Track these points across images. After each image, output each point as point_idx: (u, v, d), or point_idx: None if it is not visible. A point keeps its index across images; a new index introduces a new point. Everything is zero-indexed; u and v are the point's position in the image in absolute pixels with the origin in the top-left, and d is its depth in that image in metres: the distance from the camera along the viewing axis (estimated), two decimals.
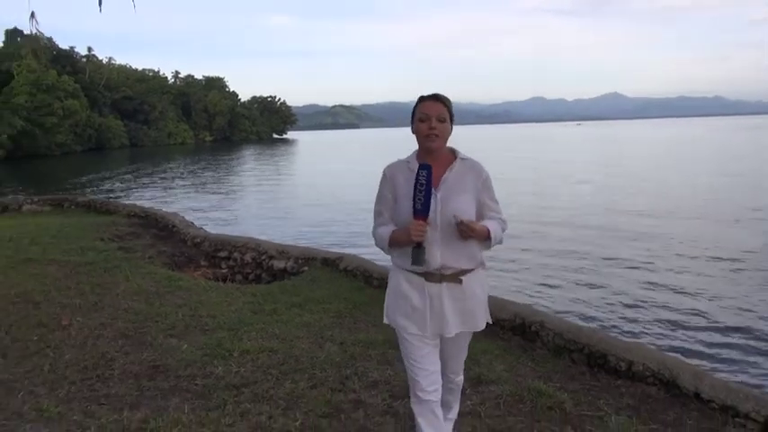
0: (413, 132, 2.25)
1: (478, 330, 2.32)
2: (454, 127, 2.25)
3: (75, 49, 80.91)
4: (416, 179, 2.09)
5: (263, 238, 8.18)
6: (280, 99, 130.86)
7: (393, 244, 2.23)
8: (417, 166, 2.12)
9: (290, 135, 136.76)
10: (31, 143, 57.32)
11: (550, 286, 8.28)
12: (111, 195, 21.74)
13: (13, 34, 66.14)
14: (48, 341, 4.03)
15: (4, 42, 67.25)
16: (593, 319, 6.80)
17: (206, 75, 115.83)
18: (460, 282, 2.20)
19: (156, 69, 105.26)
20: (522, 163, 34.04)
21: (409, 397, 2.33)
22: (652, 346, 4.63)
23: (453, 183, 2.21)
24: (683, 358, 4.43)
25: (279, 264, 6.61)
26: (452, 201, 2.17)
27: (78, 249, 7.06)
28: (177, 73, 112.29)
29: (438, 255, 2.16)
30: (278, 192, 22.91)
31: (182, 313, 4.66)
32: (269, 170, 36.17)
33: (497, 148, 55.69)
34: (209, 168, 38.34)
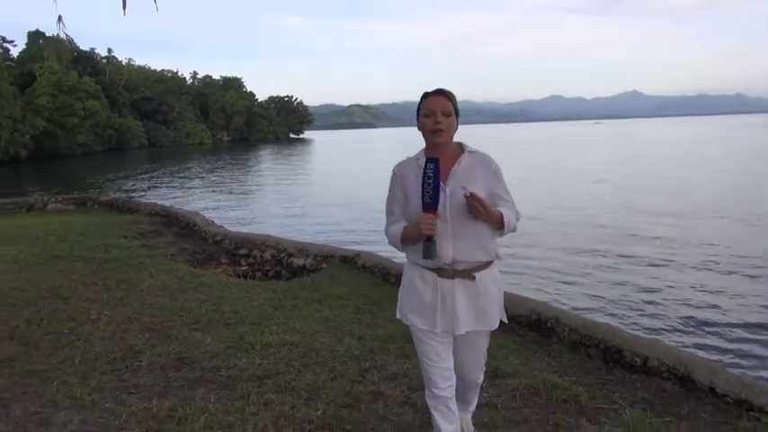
0: (419, 129, 2.24)
1: (492, 329, 2.31)
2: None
3: (96, 51, 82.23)
4: (424, 172, 2.08)
5: (281, 236, 8.30)
6: (296, 99, 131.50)
7: (405, 240, 2.21)
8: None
9: (306, 135, 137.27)
10: (52, 143, 58.27)
11: (570, 284, 8.30)
12: (133, 194, 22.10)
13: (35, 36, 67.25)
14: (78, 334, 4.18)
15: (26, 44, 68.45)
16: (613, 316, 6.81)
17: (223, 75, 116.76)
18: (473, 278, 2.18)
19: (175, 70, 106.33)
20: (539, 162, 33.86)
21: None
22: (671, 343, 4.64)
23: (462, 175, 2.18)
24: (701, 354, 4.45)
25: (298, 261, 6.72)
26: (462, 193, 2.15)
27: (103, 247, 7.24)
28: (195, 73, 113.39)
29: (450, 248, 2.14)
30: (295, 191, 23.06)
31: (205, 308, 4.79)
32: (286, 170, 36.38)
33: (512, 146, 55.35)
34: (227, 168, 38.69)
